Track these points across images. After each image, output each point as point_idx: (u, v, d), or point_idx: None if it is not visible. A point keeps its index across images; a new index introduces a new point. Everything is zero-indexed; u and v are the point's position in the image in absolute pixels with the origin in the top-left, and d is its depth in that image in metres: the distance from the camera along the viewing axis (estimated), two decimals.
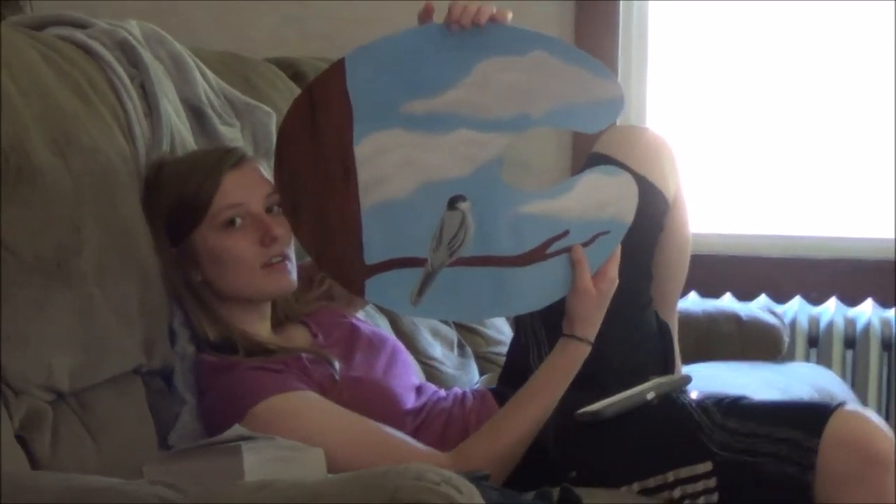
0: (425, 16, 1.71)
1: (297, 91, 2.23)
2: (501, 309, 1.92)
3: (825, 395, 2.33)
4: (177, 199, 1.73)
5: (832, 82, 2.94)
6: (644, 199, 1.86)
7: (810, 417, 1.68)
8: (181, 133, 1.87)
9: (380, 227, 1.71)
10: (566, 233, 1.73)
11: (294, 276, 1.78)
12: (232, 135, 1.98)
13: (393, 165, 1.71)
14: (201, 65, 2.01)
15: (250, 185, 1.75)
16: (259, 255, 1.74)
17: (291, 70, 2.41)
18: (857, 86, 2.93)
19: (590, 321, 1.74)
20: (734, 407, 1.74)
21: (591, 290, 1.72)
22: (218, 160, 1.76)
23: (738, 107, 2.99)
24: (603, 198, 1.75)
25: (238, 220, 1.73)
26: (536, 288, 1.74)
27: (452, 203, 1.72)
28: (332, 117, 1.70)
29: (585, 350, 1.74)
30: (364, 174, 1.71)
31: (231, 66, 2.18)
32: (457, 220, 1.72)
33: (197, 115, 1.95)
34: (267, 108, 2.07)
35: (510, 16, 1.71)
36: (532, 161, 2.84)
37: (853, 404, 1.75)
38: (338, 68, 1.70)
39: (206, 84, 1.99)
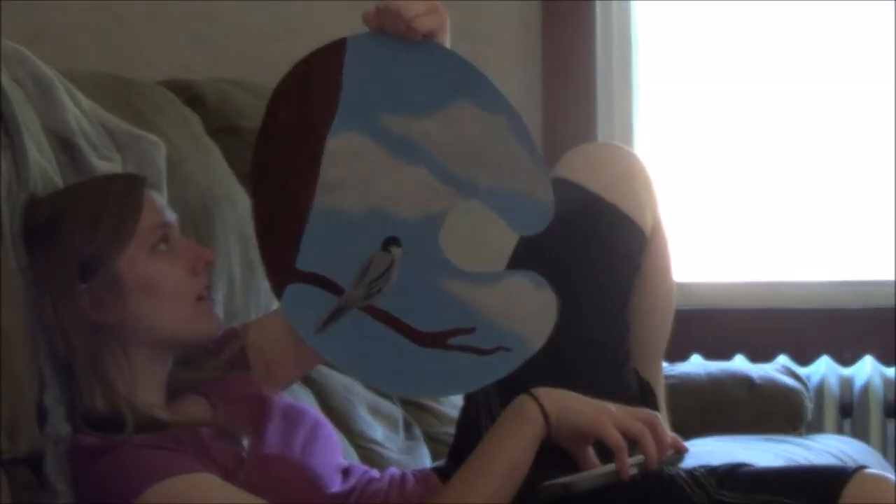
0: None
1: (192, 116, 2.32)
2: (388, 383, 1.99)
3: None
4: (92, 224, 1.72)
5: (841, 103, 2.96)
6: (616, 233, 1.93)
7: (824, 484, 1.65)
8: (44, 170, 1.82)
9: (322, 236, 1.82)
10: (473, 330, 1.79)
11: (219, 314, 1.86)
12: (110, 170, 1.95)
13: (355, 175, 1.81)
14: (72, 88, 1.98)
15: (166, 209, 1.80)
16: (192, 285, 1.77)
17: (188, 93, 2.42)
18: (864, 115, 2.94)
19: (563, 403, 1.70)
20: (731, 476, 1.70)
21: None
22: (131, 180, 1.81)
23: (740, 127, 2.99)
24: (522, 309, 1.79)
25: (164, 245, 1.76)
26: (429, 375, 1.82)
27: (386, 244, 1.81)
28: (319, 96, 1.81)
29: (541, 422, 1.67)
30: (328, 171, 1.81)
31: (110, 89, 2.17)
32: (385, 262, 1.81)
33: (66, 147, 1.92)
34: (154, 138, 2.05)
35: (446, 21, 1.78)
36: None
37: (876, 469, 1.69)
38: (338, 47, 1.80)
39: (79, 111, 1.96)
